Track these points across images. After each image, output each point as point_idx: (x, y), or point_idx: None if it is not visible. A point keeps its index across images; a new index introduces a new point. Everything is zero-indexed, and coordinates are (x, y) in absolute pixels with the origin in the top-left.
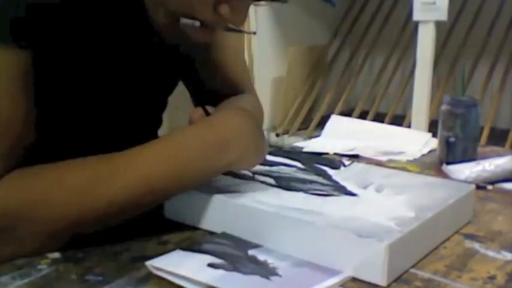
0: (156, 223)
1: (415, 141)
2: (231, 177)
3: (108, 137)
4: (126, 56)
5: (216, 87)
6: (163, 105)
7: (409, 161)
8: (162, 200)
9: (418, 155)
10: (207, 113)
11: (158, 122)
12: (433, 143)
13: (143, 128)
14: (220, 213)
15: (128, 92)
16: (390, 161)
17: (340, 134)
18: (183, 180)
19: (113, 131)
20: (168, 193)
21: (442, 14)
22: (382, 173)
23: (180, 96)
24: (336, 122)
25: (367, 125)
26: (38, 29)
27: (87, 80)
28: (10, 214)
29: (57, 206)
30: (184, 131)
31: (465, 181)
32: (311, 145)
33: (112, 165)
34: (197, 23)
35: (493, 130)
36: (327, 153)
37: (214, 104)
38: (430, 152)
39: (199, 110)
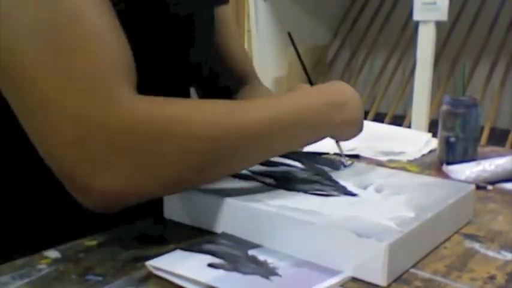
0: (156, 223)
1: (415, 141)
2: (231, 177)
3: None
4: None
5: (224, 72)
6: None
7: (409, 161)
8: (281, 145)
9: (418, 155)
10: (310, 80)
11: None
12: (433, 143)
13: None
14: (220, 213)
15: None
16: (390, 161)
17: None
18: (303, 126)
19: None
20: (288, 137)
21: (443, 14)
22: (382, 173)
23: None
24: None
25: (367, 125)
26: None
27: None
28: (154, 128)
29: (199, 124)
30: (304, 89)
31: (465, 181)
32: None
33: (242, 104)
34: None
35: (493, 130)
36: (327, 153)
37: (223, 91)
38: (430, 152)
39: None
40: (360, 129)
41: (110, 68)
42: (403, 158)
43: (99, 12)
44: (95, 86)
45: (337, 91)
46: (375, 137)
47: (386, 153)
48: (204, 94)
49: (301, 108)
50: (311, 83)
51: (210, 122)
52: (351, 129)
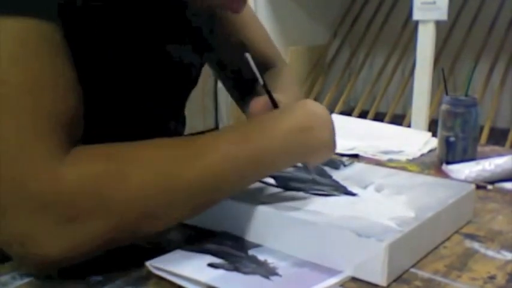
0: None
1: (415, 140)
2: None
3: (134, 123)
4: (151, 30)
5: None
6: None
7: (409, 161)
8: (238, 187)
9: (417, 154)
10: (274, 102)
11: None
12: (433, 142)
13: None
14: (220, 213)
15: (153, 73)
16: (390, 160)
17: (341, 133)
18: (261, 165)
19: (138, 116)
20: (246, 179)
21: (442, 14)
22: (382, 172)
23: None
24: (337, 121)
25: (368, 124)
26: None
27: (116, 58)
28: (85, 194)
29: (136, 186)
30: (262, 118)
31: (465, 181)
32: None
33: (189, 147)
34: None
35: (493, 130)
36: None
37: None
38: (430, 151)
39: (261, 100)
40: (331, 151)
41: (40, 128)
42: (403, 157)
43: (37, 61)
44: (21, 150)
45: (304, 114)
46: (374, 136)
47: (386, 152)
48: (233, 86)
49: (261, 147)
50: (275, 106)
51: (148, 184)
52: (320, 154)
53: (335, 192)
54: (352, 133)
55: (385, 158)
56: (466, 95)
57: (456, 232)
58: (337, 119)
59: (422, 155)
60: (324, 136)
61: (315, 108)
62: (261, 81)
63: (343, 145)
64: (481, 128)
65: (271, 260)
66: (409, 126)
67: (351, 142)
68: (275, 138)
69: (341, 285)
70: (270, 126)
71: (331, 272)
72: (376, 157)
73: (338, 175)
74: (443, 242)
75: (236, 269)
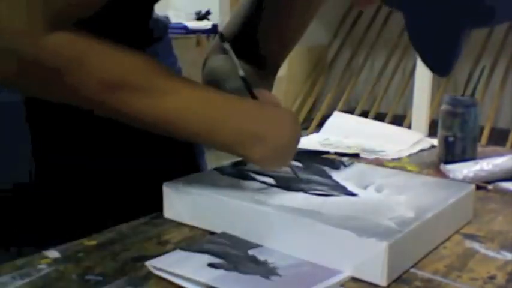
0: (156, 223)
1: (402, 140)
2: (231, 177)
3: None
4: None
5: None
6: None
7: (409, 161)
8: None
9: (402, 154)
10: (252, 95)
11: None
12: (426, 142)
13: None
14: (220, 213)
15: None
16: (375, 159)
17: (339, 131)
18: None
19: None
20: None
21: None
22: (382, 173)
23: None
24: (337, 119)
25: (365, 122)
26: None
27: None
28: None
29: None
30: (237, 102)
31: (463, 180)
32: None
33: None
34: None
35: (493, 130)
36: (327, 153)
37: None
38: (422, 150)
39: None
40: (286, 159)
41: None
42: (383, 156)
43: None
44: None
45: (267, 121)
46: (360, 134)
47: (367, 151)
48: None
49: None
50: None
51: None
52: (272, 162)
53: (335, 193)
54: (351, 132)
55: (366, 156)
56: (472, 95)
57: (456, 232)
58: (338, 117)
59: (420, 151)
60: (273, 150)
61: (285, 119)
62: (240, 73)
63: (331, 142)
64: (482, 129)
65: (271, 260)
66: (409, 126)
67: (335, 138)
68: (224, 128)
69: (341, 285)
70: (226, 118)
71: (331, 272)
72: (366, 156)
73: (338, 175)
74: (443, 242)
75: (236, 269)
